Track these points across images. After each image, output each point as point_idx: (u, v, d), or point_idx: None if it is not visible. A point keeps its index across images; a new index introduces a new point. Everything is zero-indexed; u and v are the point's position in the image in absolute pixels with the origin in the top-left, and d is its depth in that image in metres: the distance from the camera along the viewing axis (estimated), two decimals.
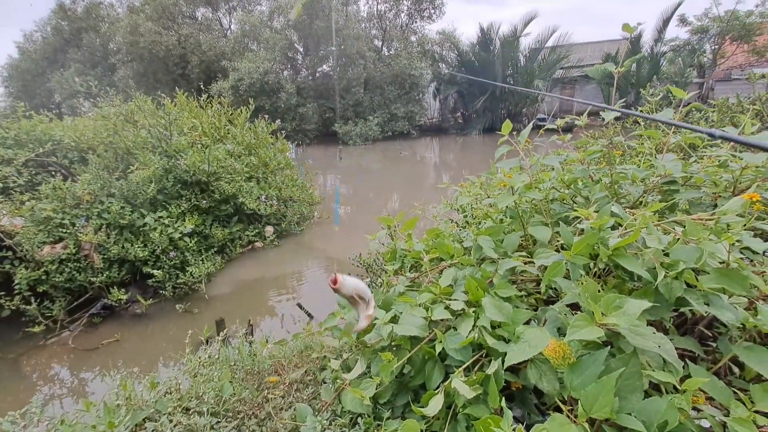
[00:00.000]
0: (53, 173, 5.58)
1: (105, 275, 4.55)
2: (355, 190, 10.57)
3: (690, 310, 1.07)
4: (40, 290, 4.32)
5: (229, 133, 7.05)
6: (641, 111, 2.70)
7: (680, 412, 0.78)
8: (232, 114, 7.52)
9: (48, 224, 4.55)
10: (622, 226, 1.12)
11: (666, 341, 0.83)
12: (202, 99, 7.24)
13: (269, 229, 6.43)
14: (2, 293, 4.10)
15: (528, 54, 19.12)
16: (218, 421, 1.24)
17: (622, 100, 1.68)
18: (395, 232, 2.22)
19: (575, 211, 1.25)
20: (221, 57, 19.03)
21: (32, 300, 4.19)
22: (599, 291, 0.89)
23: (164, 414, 1.19)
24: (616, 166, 1.63)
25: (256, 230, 6.31)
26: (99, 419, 1.17)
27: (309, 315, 4.28)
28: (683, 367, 0.87)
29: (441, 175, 12.37)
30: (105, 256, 4.63)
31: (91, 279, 4.48)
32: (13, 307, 4.13)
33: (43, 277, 4.34)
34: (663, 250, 0.97)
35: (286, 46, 18.79)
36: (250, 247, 6.17)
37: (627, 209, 1.39)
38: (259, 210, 6.22)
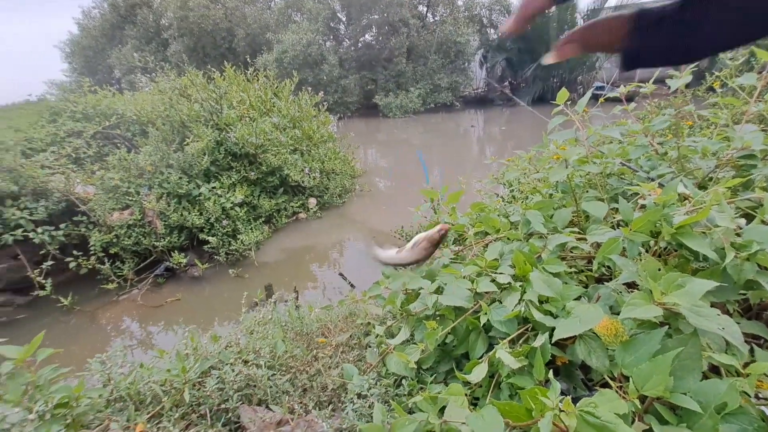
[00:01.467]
0: (118, 145, 6.04)
1: (166, 240, 4.95)
2: (394, 163, 10.53)
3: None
4: (112, 252, 4.80)
5: (274, 106, 7.20)
6: (717, 77, 2.44)
7: (741, 395, 0.75)
8: (276, 87, 7.65)
9: (116, 192, 4.98)
10: (689, 202, 1.05)
11: (732, 323, 0.79)
12: (248, 72, 7.41)
13: (312, 201, 6.62)
14: (80, 254, 4.60)
15: (587, 15, 17.53)
16: (273, 374, 1.36)
17: (694, 65, 1.52)
18: (438, 205, 2.22)
19: (636, 186, 1.18)
20: (266, 29, 19.19)
21: (105, 260, 4.67)
22: (659, 270, 0.85)
23: (227, 364, 1.32)
24: (685, 139, 1.50)
25: (300, 202, 6.52)
26: (172, 365, 1.32)
27: (351, 284, 4.43)
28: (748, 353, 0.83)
29: (485, 149, 11.98)
30: (166, 223, 5.02)
31: (155, 243, 4.90)
32: (90, 266, 4.63)
33: (114, 240, 4.80)
34: (734, 230, 0.90)
35: (328, 16, 18.54)
36: (294, 217, 6.41)
37: (695, 185, 1.30)
38: (302, 182, 6.40)
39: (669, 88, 1.60)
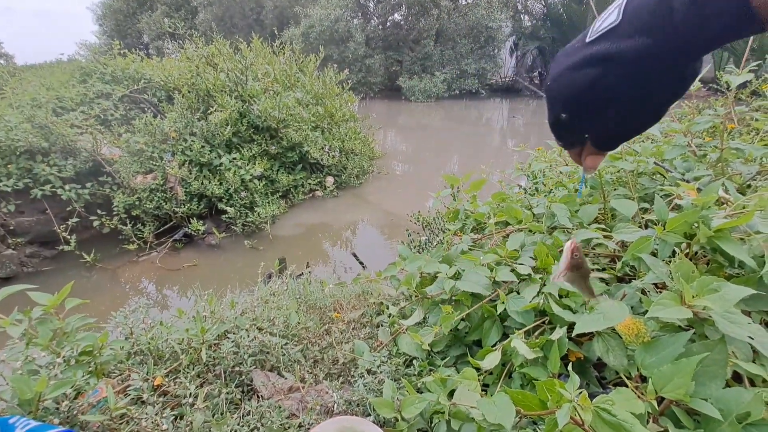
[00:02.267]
0: (144, 109, 6.12)
1: (186, 207, 5.05)
2: (413, 148, 10.43)
3: None
4: (134, 214, 4.94)
5: (298, 81, 7.16)
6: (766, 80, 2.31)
7: (767, 406, 0.73)
8: (302, 62, 7.59)
9: (141, 156, 5.08)
10: (728, 206, 1.00)
11: (764, 333, 0.77)
12: (274, 45, 7.36)
13: (330, 180, 6.64)
14: (104, 213, 4.74)
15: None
16: (286, 343, 1.39)
17: (755, 64, 1.43)
18: (459, 192, 2.19)
19: (673, 186, 1.13)
20: (294, 2, 18.94)
21: (127, 222, 4.81)
22: (692, 272, 0.82)
23: (242, 329, 1.35)
24: (728, 141, 1.43)
25: (318, 179, 6.54)
26: (190, 325, 1.36)
27: (362, 264, 4.47)
28: None
29: (506, 140, 11.73)
30: (187, 190, 5.11)
31: (175, 209, 5.01)
32: (112, 226, 4.77)
33: (136, 203, 4.93)
34: None
35: None
36: (311, 194, 6.45)
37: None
38: (322, 160, 6.40)
39: (706, 88, 1.51)
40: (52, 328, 1.15)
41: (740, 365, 0.77)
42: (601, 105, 0.44)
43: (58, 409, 1.03)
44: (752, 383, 0.85)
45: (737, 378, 0.90)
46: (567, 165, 1.93)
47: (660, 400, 0.82)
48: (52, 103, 5.38)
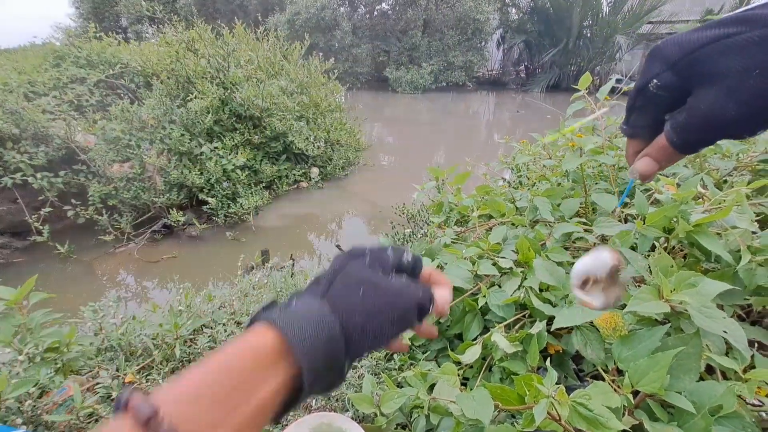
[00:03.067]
0: (121, 96, 5.90)
1: (165, 197, 4.91)
2: (399, 140, 10.39)
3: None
4: (110, 204, 4.78)
5: (282, 69, 7.01)
6: None
7: (738, 399, 0.74)
8: (286, 49, 7.42)
9: (117, 144, 4.90)
10: (705, 201, 1.01)
11: (737, 327, 0.77)
12: (258, 32, 7.16)
13: (315, 171, 6.55)
14: (78, 203, 4.57)
15: (612, 1, 16.86)
16: None
17: None
18: (443, 184, 2.18)
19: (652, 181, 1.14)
20: None
21: (103, 212, 4.65)
22: (671, 267, 0.83)
23: (220, 323, 1.31)
24: None
25: (303, 170, 6.45)
26: (164, 319, 1.31)
27: None
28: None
29: (492, 133, 11.78)
30: (166, 180, 4.97)
31: (154, 199, 4.87)
32: (88, 216, 4.61)
33: (113, 192, 4.77)
34: (754, 233, 0.87)
35: None
36: (295, 186, 6.36)
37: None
38: (306, 150, 6.31)
39: None
40: (15, 324, 1.09)
41: (714, 358, 0.78)
42: (721, 66, 0.30)
43: (20, 409, 0.98)
44: (724, 376, 0.86)
45: (710, 371, 0.92)
46: (550, 158, 1.93)
47: (635, 393, 0.83)
48: (23, 88, 5.13)
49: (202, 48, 5.95)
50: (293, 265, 3.98)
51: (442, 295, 0.48)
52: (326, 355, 0.35)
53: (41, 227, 4.29)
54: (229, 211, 5.11)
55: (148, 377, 1.15)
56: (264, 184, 5.84)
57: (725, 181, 1.50)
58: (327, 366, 0.35)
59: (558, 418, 0.68)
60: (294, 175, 6.32)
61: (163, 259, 4.51)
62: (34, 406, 1.02)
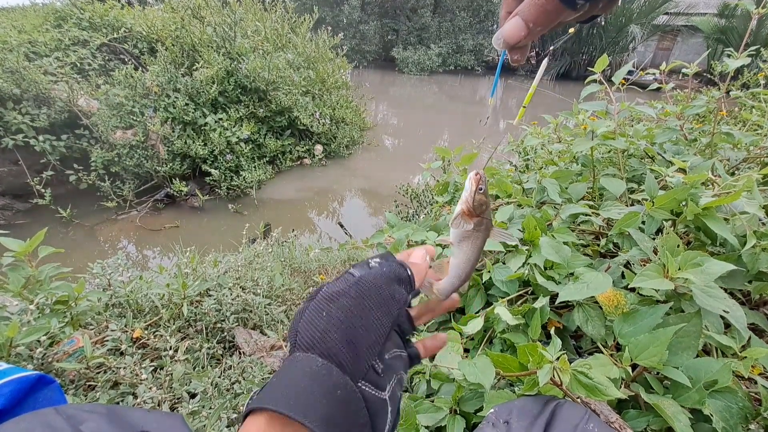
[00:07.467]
0: (125, 61, 5.79)
1: (169, 166, 4.89)
2: (404, 121, 10.28)
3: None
4: (113, 170, 4.76)
5: (290, 42, 6.87)
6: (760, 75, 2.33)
7: (732, 377, 0.76)
8: (294, 22, 7.25)
9: (120, 110, 4.84)
10: (715, 186, 1.02)
11: (738, 308, 0.79)
12: (266, 1, 6.98)
13: (318, 148, 6.51)
14: (81, 168, 4.55)
15: None
16: (269, 303, 1.38)
17: (753, 49, 1.42)
18: (449, 165, 2.17)
19: (655, 169, 1.14)
20: None
21: (106, 178, 4.64)
22: (677, 246, 0.84)
23: (225, 287, 1.33)
24: (720, 126, 1.44)
25: (307, 147, 6.41)
26: (172, 280, 1.33)
27: (348, 235, 4.46)
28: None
29: (498, 120, 11.65)
30: (169, 149, 4.94)
31: (157, 168, 4.85)
32: (90, 182, 4.61)
33: (116, 159, 4.75)
34: (761, 219, 0.88)
35: None
36: (299, 162, 6.33)
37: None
38: (311, 127, 6.25)
39: (697, 80, 1.50)
40: (24, 276, 1.11)
41: (713, 337, 0.80)
42: None
43: (31, 356, 1.01)
44: (722, 355, 0.88)
45: (706, 351, 0.94)
46: (559, 142, 1.92)
47: (633, 367, 0.86)
48: (24, 47, 5.03)
49: (208, 15, 5.81)
50: (296, 239, 4.01)
51: (417, 256, 0.46)
52: (328, 398, 0.30)
53: (43, 190, 4.28)
54: (232, 183, 5.10)
55: (156, 334, 1.17)
56: (267, 159, 5.81)
57: (733, 173, 1.50)
58: (336, 410, 0.30)
59: (560, 383, 0.70)
60: (298, 151, 6.28)
61: (165, 227, 4.52)
62: (45, 354, 1.05)
